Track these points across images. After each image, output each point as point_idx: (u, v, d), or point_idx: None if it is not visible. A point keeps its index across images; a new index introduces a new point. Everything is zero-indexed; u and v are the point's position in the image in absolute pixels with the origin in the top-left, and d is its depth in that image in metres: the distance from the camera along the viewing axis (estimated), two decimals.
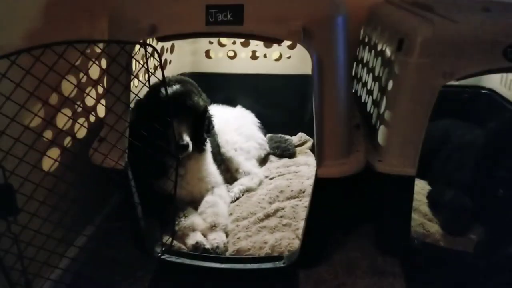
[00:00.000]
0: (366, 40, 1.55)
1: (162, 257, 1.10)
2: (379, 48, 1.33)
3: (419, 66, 1.03)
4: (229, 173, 1.54)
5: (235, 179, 1.51)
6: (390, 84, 1.11)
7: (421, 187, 1.47)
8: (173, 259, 1.09)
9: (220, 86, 1.76)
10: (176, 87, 1.18)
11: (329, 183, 1.00)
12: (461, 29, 1.02)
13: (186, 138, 1.14)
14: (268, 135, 1.78)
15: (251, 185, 1.47)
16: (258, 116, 1.76)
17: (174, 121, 1.08)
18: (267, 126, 1.78)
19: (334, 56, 0.95)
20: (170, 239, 1.11)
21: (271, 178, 1.57)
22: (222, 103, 1.71)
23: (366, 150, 1.11)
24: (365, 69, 1.50)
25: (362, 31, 1.65)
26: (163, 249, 1.11)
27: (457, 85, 1.73)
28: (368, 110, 1.36)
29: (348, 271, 1.18)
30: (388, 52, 1.19)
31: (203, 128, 1.25)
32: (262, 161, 1.69)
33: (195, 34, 0.96)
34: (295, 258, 1.08)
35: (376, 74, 1.30)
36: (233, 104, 1.76)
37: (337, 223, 1.22)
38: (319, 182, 0.99)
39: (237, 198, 1.42)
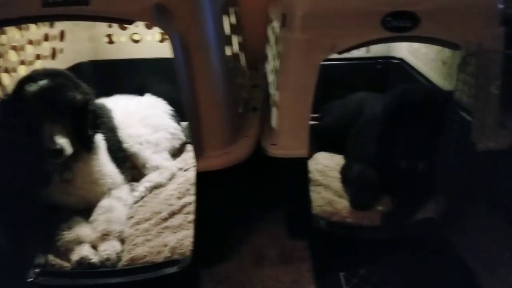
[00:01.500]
0: (270, 19, 1.48)
1: (36, 280, 0.98)
2: (274, 26, 1.26)
3: (301, 41, 0.98)
4: (137, 170, 1.44)
5: (144, 176, 1.42)
6: (278, 63, 1.05)
7: (336, 163, 1.46)
8: (50, 281, 0.98)
9: (126, 74, 1.64)
10: (43, 82, 1.04)
11: (214, 176, 0.93)
12: (339, 1, 0.97)
13: (60, 141, 1.02)
14: (185, 123, 1.69)
15: (160, 180, 1.39)
16: (172, 103, 1.65)
17: (44, 122, 0.97)
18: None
19: (202, 36, 0.87)
20: (44, 258, 1.00)
21: (186, 170, 1.49)
22: (131, 92, 1.59)
23: (260, 134, 1.06)
24: (269, 49, 1.44)
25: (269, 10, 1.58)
26: (38, 270, 1.00)
27: (370, 57, 1.72)
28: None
29: (255, 263, 1.14)
30: (277, 30, 1.13)
31: (86, 124, 1.13)
32: (178, 152, 1.60)
33: (28, 18, 0.84)
34: (190, 260, 1.02)
35: (273, 53, 1.24)
36: (143, 92, 1.64)
37: (238, 214, 1.16)
38: (201, 176, 0.92)
39: (143, 197, 1.33)
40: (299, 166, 1.04)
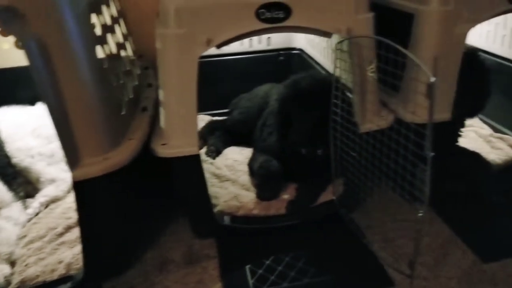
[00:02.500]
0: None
1: None
2: None
3: (176, 37, 0.95)
4: (31, 185, 1.34)
5: (39, 190, 1.33)
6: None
7: (246, 156, 1.46)
8: None
9: (14, 83, 1.52)
10: None
11: (97, 183, 0.89)
12: None
13: None
14: None
15: (57, 193, 1.30)
16: None
17: None
18: None
19: (64, 39, 0.81)
20: None
21: None
22: (21, 103, 1.48)
23: (147, 135, 1.02)
24: None
25: None
26: None
27: (272, 49, 1.74)
28: None
29: (159, 268, 1.10)
30: None
31: None
32: None
33: None
34: (82, 275, 0.96)
35: None
36: (35, 101, 1.53)
37: (135, 219, 1.12)
38: (82, 185, 0.87)
39: (38, 214, 1.24)
40: (192, 164, 1.02)
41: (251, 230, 1.19)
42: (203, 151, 1.51)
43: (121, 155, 0.92)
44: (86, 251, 0.95)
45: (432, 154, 0.82)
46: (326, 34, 1.02)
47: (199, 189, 1.07)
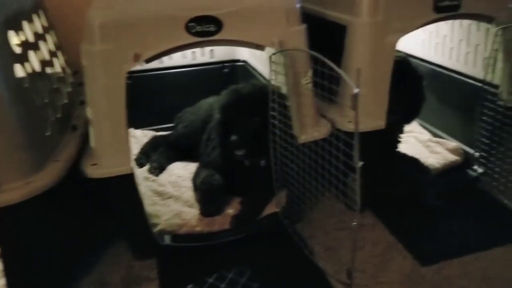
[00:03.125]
0: None
1: None
2: None
3: (102, 53, 0.92)
4: None
5: None
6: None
7: (190, 171, 1.43)
8: None
9: None
10: None
11: (20, 209, 0.83)
12: (140, 8, 0.94)
13: None
14: None
15: None
16: None
17: None
18: None
19: None
20: None
21: None
22: None
23: (77, 155, 0.98)
24: None
25: None
26: None
27: (216, 61, 1.73)
28: None
29: None
30: None
31: None
32: None
33: None
34: None
35: None
36: None
37: (68, 243, 1.06)
38: (0, 214, 0.81)
39: None
40: (125, 184, 0.98)
41: (193, 248, 1.15)
42: (146, 168, 1.47)
43: (45, 178, 0.86)
44: (11, 284, 0.88)
45: (361, 163, 0.82)
46: (259, 47, 1.01)
47: (135, 209, 1.03)
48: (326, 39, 1.23)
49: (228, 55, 1.73)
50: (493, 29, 1.23)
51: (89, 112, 0.96)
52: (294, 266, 1.11)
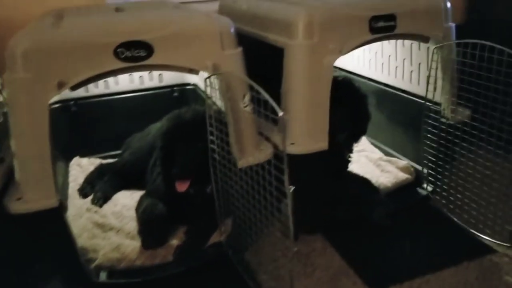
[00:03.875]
0: None
1: None
2: None
3: (25, 81, 0.87)
4: None
5: None
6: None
7: (136, 200, 1.35)
8: None
9: None
10: None
11: None
12: (65, 35, 0.90)
13: None
14: None
15: None
16: None
17: None
18: None
19: None
20: None
21: None
22: None
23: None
24: None
25: None
26: None
27: (165, 85, 1.70)
28: None
29: None
30: None
31: None
32: None
33: None
34: None
35: None
36: None
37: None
38: None
39: None
40: (51, 219, 0.92)
41: (132, 284, 1.08)
42: (89, 199, 1.40)
43: None
44: None
45: (292, 188, 0.79)
46: (192, 71, 0.99)
47: (64, 244, 0.97)
48: (267, 62, 1.23)
49: (178, 79, 1.70)
50: (431, 47, 1.25)
51: (12, 143, 0.90)
52: None
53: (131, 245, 1.17)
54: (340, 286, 1.09)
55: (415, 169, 1.46)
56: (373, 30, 1.13)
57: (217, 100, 1.04)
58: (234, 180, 1.04)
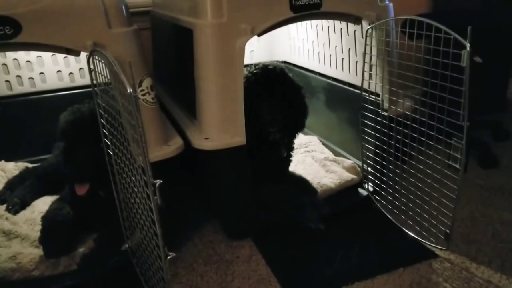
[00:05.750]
0: None
1: None
2: None
3: None
4: None
5: None
6: None
7: None
8: None
9: None
10: None
11: None
12: None
13: None
14: None
15: None
16: None
17: None
18: None
19: None
20: None
21: None
22: None
23: None
24: None
25: None
26: None
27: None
28: None
29: None
30: None
31: None
32: None
33: None
34: None
35: None
36: None
37: None
38: None
39: None
40: None
41: None
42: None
43: None
44: None
45: (158, 182, 0.67)
46: (70, 51, 0.87)
47: None
48: (180, 46, 1.11)
49: None
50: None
51: None
52: None
53: (32, 254, 1.04)
54: None
55: (362, 169, 1.33)
56: (294, 8, 1.01)
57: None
58: (131, 181, 0.92)
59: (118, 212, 1.01)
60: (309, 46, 1.57)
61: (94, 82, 0.90)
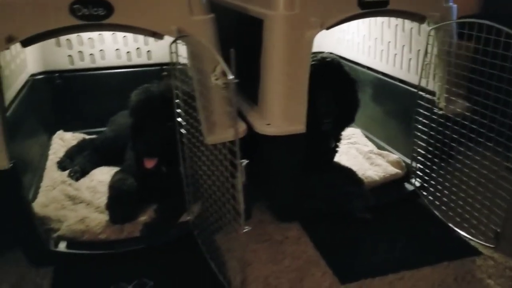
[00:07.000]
0: None
1: None
2: None
3: None
4: None
5: None
6: None
7: None
8: None
9: None
10: None
11: None
12: None
13: None
14: None
15: None
16: None
17: None
18: None
19: None
20: None
21: None
22: None
23: None
24: None
25: None
26: None
27: (153, 63, 1.65)
28: None
29: None
30: None
31: None
32: None
33: None
34: None
35: None
36: None
37: None
38: None
39: None
40: (3, 181, 0.88)
41: (93, 256, 1.04)
42: (67, 172, 1.36)
43: None
44: None
45: (245, 161, 0.73)
46: (156, 34, 0.93)
47: (17, 210, 0.93)
48: (247, 35, 1.16)
49: (168, 57, 1.64)
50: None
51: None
52: (199, 280, 1.00)
53: (98, 219, 1.13)
54: (309, 276, 1.02)
55: (407, 165, 1.37)
56: (362, 5, 1.05)
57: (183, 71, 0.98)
58: (202, 159, 0.98)
59: (184, 186, 1.08)
60: (359, 39, 1.59)
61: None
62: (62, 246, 1.03)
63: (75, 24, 0.86)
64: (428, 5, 1.11)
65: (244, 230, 0.78)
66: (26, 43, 0.85)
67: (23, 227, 0.97)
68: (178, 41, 0.93)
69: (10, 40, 0.82)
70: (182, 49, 0.98)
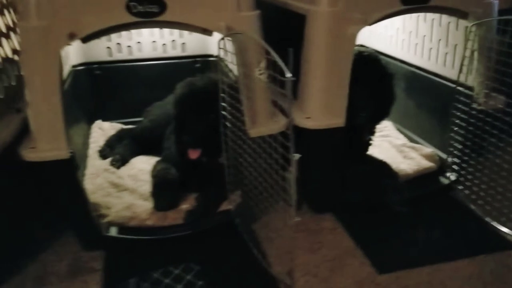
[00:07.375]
0: None
1: None
2: None
3: (37, 30, 0.87)
4: None
5: None
6: None
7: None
8: None
9: None
10: None
11: None
12: None
13: None
14: None
15: None
16: None
17: None
18: None
19: None
20: None
21: None
22: None
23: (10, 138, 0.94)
24: None
25: None
26: None
27: (188, 55, 1.69)
28: None
29: (38, 282, 1.01)
30: None
31: None
32: None
33: None
34: None
35: None
36: None
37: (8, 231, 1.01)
38: None
39: None
40: (62, 170, 0.94)
41: (144, 241, 1.10)
42: (108, 160, 1.42)
43: None
44: None
45: (298, 156, 0.76)
46: (206, 31, 0.96)
47: (73, 197, 0.98)
48: (287, 29, 1.18)
49: (201, 50, 1.68)
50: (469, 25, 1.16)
51: (26, 92, 0.92)
52: (242, 266, 1.05)
53: (143, 206, 1.18)
54: (346, 265, 1.05)
55: (440, 158, 1.38)
56: (405, 1, 1.06)
57: (233, 66, 1.01)
58: (245, 150, 1.02)
59: (226, 176, 1.12)
60: (392, 32, 1.60)
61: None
62: (113, 232, 1.09)
63: (131, 22, 0.90)
64: (471, 1, 1.11)
65: (295, 220, 0.81)
66: (85, 39, 0.90)
67: (79, 213, 1.03)
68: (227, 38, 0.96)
69: (72, 37, 0.87)
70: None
